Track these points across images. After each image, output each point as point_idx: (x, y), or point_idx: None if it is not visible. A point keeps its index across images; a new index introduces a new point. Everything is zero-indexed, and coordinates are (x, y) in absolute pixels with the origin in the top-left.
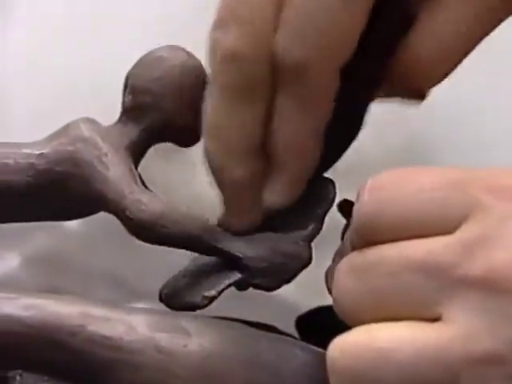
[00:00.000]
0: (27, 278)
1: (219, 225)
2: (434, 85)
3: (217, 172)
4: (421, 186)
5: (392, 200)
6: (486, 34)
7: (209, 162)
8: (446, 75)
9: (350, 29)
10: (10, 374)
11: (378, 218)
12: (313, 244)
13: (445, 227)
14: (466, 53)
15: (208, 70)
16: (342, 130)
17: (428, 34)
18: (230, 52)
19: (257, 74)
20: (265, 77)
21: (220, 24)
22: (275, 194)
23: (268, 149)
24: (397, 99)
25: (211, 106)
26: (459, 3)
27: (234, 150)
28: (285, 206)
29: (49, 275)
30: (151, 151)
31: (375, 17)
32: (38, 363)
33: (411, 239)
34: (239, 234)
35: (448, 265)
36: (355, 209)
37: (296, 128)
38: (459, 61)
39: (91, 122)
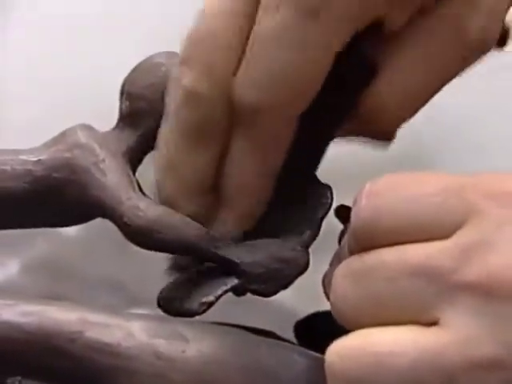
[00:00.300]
0: (27, 285)
1: None
2: (399, 127)
3: (167, 205)
4: (418, 192)
5: (389, 205)
6: (450, 79)
7: (159, 194)
8: (410, 117)
9: (309, 79)
10: (9, 380)
11: (376, 223)
12: (310, 249)
13: (442, 232)
14: (431, 97)
15: (168, 104)
16: (300, 164)
17: (393, 81)
18: (189, 91)
19: (213, 115)
20: (221, 119)
21: (184, 61)
22: (224, 229)
23: (219, 185)
24: (364, 139)
25: (164, 140)
26: (420, 53)
27: (186, 188)
28: (233, 238)
29: (48, 281)
30: (149, 157)
31: (338, 65)
32: (37, 369)
33: (409, 244)
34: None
35: (445, 269)
36: (353, 213)
37: (248, 171)
38: (416, 110)
39: (88, 128)
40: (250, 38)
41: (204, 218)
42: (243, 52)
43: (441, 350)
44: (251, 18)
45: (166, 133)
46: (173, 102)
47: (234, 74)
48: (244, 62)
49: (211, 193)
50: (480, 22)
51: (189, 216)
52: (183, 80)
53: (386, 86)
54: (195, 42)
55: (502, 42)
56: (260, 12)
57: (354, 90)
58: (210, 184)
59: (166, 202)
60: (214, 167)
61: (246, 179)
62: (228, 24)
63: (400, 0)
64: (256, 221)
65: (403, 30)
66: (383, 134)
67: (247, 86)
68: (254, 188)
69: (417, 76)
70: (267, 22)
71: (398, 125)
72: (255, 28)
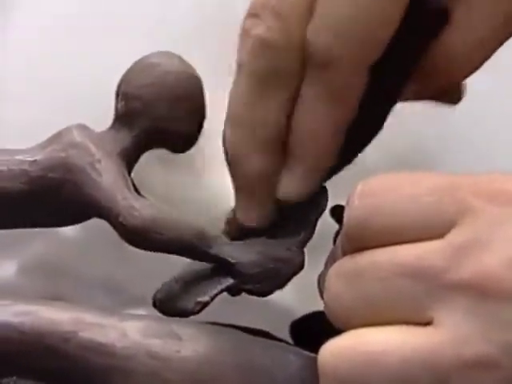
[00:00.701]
0: (23, 285)
1: (229, 220)
2: (465, 77)
3: (234, 161)
4: (411, 192)
5: (382, 205)
6: None
7: (227, 151)
8: (477, 69)
9: (381, 27)
10: (4, 380)
11: (368, 223)
12: (305, 249)
13: (435, 232)
14: (498, 46)
15: (238, 57)
16: (362, 129)
17: (464, 29)
18: (260, 40)
19: (285, 63)
20: (293, 66)
21: (252, 13)
22: (290, 186)
23: (288, 139)
24: (430, 100)
25: (236, 94)
26: (487, 1)
27: (255, 139)
28: (298, 199)
29: (44, 281)
30: (145, 157)
31: (409, 14)
32: (32, 369)
33: (401, 244)
34: (245, 230)
35: (438, 269)
36: (345, 214)
37: (319, 119)
38: (492, 54)
39: (84, 128)
40: None
41: (267, 178)
42: (314, 1)
43: (433, 350)
44: None
45: (237, 86)
46: (243, 54)
47: (306, 21)
48: (316, 10)
49: (280, 149)
50: None
51: (253, 173)
52: (254, 30)
53: (457, 35)
54: None
55: None
56: None
57: (426, 39)
58: (277, 136)
59: (234, 158)
60: (284, 115)
61: (318, 125)
62: None
63: None
64: (322, 180)
65: None
66: (449, 88)
67: (319, 33)
68: (323, 140)
69: (485, 24)
70: None
71: (465, 77)
72: None
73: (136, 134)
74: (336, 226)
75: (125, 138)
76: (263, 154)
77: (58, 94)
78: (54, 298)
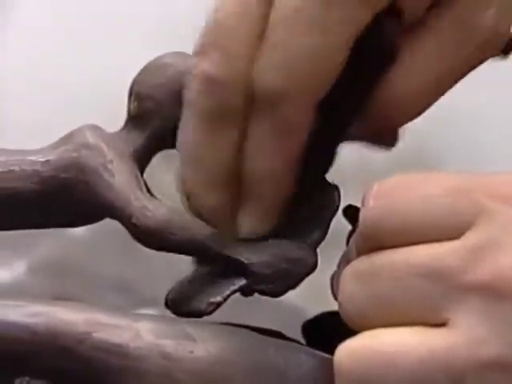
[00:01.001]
0: (34, 285)
1: None
2: (406, 122)
3: (189, 198)
4: (426, 192)
5: (397, 205)
6: (456, 81)
7: (183, 187)
8: (416, 116)
9: (327, 65)
10: (17, 381)
11: (384, 224)
12: (318, 249)
13: (451, 233)
14: (435, 98)
15: (186, 95)
16: (313, 162)
17: (409, 72)
18: (206, 77)
19: (231, 100)
20: (239, 103)
21: (200, 50)
22: (248, 224)
23: (241, 176)
24: (366, 142)
25: (185, 133)
26: (434, 48)
27: (209, 178)
28: (256, 234)
29: (55, 282)
30: (157, 158)
31: (356, 54)
32: (45, 370)
33: (416, 244)
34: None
35: (454, 270)
36: (361, 214)
37: (268, 156)
38: (429, 104)
39: (96, 128)
40: (269, 22)
41: (228, 211)
42: (261, 37)
43: (449, 351)
44: (268, 3)
45: (185, 124)
46: (190, 91)
47: (252, 59)
48: (262, 47)
49: (234, 185)
50: (490, 21)
51: (213, 208)
52: (200, 68)
53: (403, 77)
54: (211, 29)
55: (507, 50)
56: None
57: (372, 78)
58: (232, 174)
59: (189, 194)
60: (235, 154)
61: (268, 164)
62: (245, 9)
63: None
64: (279, 216)
65: (419, 24)
66: (391, 132)
67: (266, 70)
68: (275, 174)
69: (432, 69)
70: (285, 5)
71: (407, 120)
72: (273, 12)
73: (148, 134)
74: (348, 227)
75: (137, 139)
76: (217, 191)
77: (58, 93)
78: (64, 298)
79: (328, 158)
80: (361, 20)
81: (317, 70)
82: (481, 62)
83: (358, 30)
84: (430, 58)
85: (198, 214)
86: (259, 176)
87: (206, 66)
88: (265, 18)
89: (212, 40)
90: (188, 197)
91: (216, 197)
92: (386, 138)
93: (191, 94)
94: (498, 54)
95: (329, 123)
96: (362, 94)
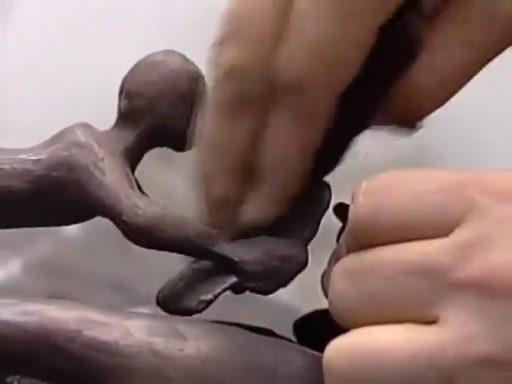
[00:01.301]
0: (27, 284)
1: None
2: (427, 115)
3: (204, 184)
4: (417, 189)
5: (387, 202)
6: (480, 69)
7: (198, 173)
8: (439, 106)
9: (351, 55)
10: (8, 379)
11: (374, 221)
12: (309, 247)
13: (441, 230)
14: (460, 87)
15: (208, 84)
16: (329, 153)
17: (433, 63)
18: (228, 66)
19: (253, 90)
20: (260, 91)
21: (221, 40)
22: (256, 211)
23: (256, 165)
24: (387, 127)
25: (206, 119)
26: (459, 44)
27: (224, 165)
28: (263, 223)
29: (49, 280)
30: (148, 156)
31: (380, 45)
32: (36, 368)
33: (407, 242)
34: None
35: (444, 267)
36: (350, 212)
37: (288, 143)
38: (454, 93)
39: (87, 127)
40: (293, 10)
41: (235, 198)
42: (283, 25)
43: (439, 348)
44: None
45: (208, 110)
46: (212, 80)
47: (274, 47)
48: (286, 35)
49: (246, 174)
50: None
51: (224, 194)
52: (223, 56)
53: (428, 68)
54: (234, 18)
55: None
56: None
57: (395, 69)
58: (247, 162)
59: (203, 180)
60: (253, 141)
61: (287, 150)
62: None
63: None
64: (281, 211)
65: (440, 15)
66: (410, 121)
67: (287, 60)
68: (293, 161)
69: (457, 59)
70: None
71: (431, 111)
72: (295, 1)
73: (139, 132)
74: (339, 224)
75: (128, 137)
76: (231, 177)
77: (58, 93)
78: (58, 296)
79: (340, 155)
80: (385, 10)
81: (341, 58)
82: (503, 49)
83: (382, 21)
84: (455, 48)
85: (210, 199)
86: (275, 163)
87: (229, 54)
88: (288, 5)
89: (235, 28)
90: (199, 181)
91: (229, 182)
92: (405, 125)
93: (214, 81)
94: None
95: (349, 115)
96: (384, 87)
